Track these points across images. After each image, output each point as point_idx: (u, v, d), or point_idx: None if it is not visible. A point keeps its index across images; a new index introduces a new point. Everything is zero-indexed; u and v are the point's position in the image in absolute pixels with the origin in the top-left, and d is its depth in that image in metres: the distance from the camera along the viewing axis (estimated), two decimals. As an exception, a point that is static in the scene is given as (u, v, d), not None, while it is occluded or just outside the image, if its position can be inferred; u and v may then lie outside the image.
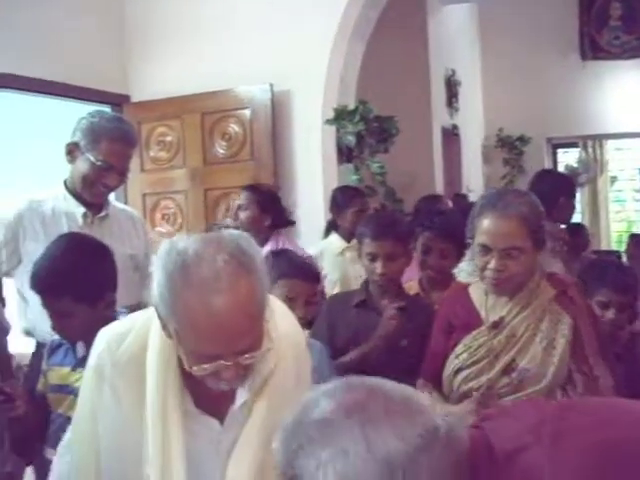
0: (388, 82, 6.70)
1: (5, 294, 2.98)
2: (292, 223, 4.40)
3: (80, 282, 2.00)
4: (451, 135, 8.17)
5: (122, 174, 2.75)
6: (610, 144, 9.73)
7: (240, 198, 4.12)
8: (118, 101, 5.32)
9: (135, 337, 1.50)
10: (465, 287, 2.34)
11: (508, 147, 9.68)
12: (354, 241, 3.44)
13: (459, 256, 2.85)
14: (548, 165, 9.56)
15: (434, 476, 0.99)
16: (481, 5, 9.20)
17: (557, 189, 3.74)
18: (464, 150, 8.70)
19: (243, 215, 4.00)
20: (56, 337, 2.14)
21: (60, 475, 1.67)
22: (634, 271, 3.00)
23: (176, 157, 5.26)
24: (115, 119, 2.85)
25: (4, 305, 2.98)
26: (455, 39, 8.52)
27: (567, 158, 9.87)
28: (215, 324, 1.31)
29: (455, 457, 1.04)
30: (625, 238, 7.41)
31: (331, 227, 4.50)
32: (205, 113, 5.12)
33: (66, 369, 2.08)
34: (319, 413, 1.02)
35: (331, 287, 4.01)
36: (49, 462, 2.04)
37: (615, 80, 9.19)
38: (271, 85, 4.89)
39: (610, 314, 2.67)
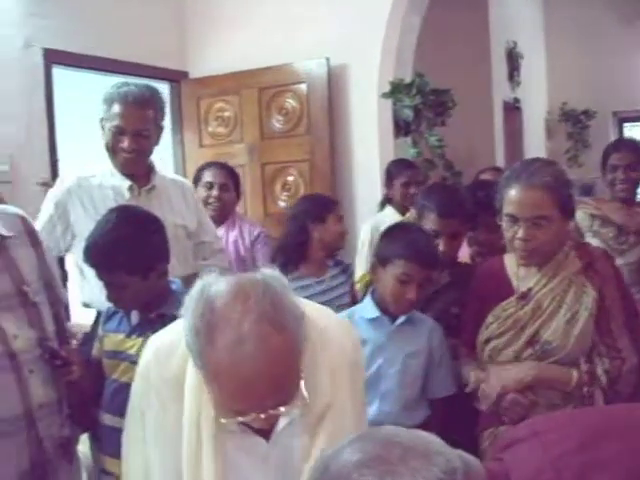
0: (447, 55, 6.63)
1: (67, 268, 3.05)
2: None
3: (131, 255, 2.02)
4: (512, 109, 8.04)
5: (137, 135, 2.66)
6: (679, 117, 9.45)
7: (219, 176, 3.78)
8: (177, 77, 5.38)
9: (181, 356, 1.44)
10: (502, 258, 2.33)
11: (572, 121, 9.49)
12: (408, 214, 3.41)
13: None
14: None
15: None
16: (545, -26, 9.01)
17: None
18: (526, 124, 8.57)
19: (226, 196, 3.76)
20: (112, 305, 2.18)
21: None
22: None
23: (234, 132, 5.29)
24: (126, 84, 2.71)
25: (67, 279, 3.06)
26: (517, 11, 8.34)
27: (634, 133, 9.59)
28: (242, 386, 1.25)
29: None
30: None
31: (386, 200, 4.49)
32: (262, 88, 5.13)
33: (121, 336, 2.12)
34: (336, 468, 0.99)
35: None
36: (104, 426, 2.11)
37: (686, 51, 8.90)
38: (327, 59, 4.87)
39: None
